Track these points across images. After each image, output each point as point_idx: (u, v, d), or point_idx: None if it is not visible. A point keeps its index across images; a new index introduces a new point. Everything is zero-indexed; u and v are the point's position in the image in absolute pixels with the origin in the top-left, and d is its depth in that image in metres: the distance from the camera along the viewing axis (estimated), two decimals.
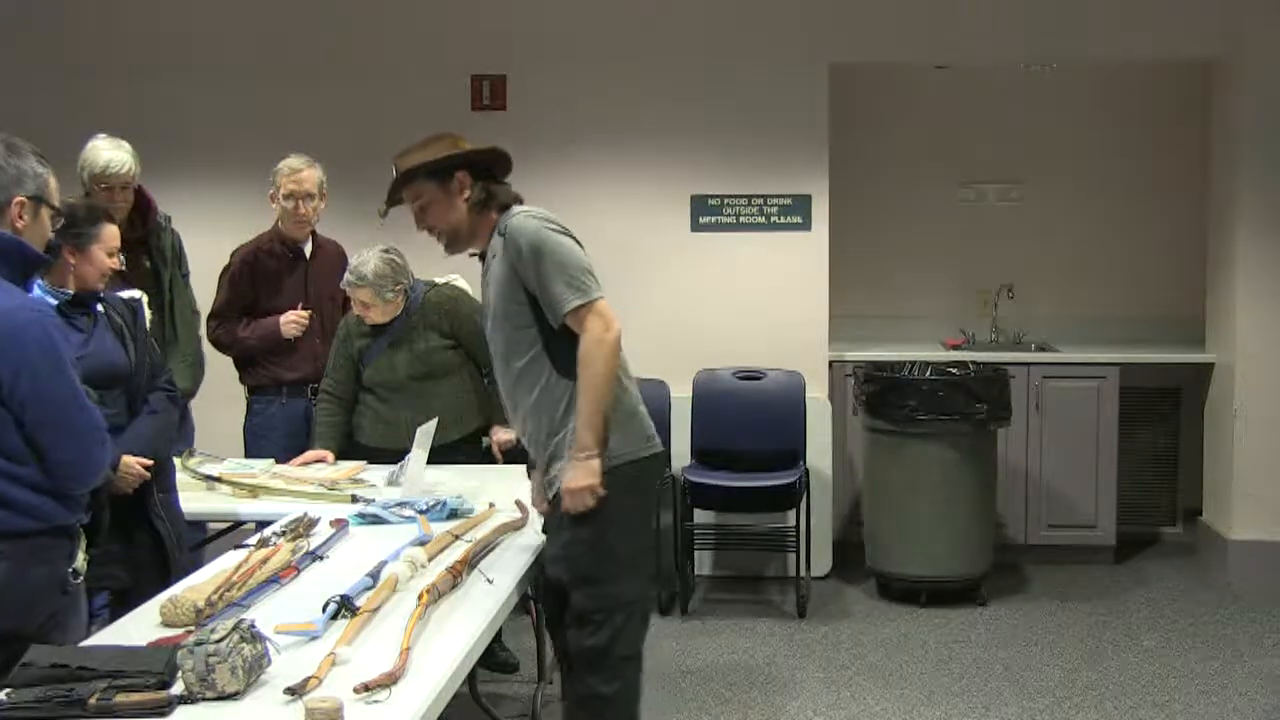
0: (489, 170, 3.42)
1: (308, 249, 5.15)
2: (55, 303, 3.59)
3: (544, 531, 3.56)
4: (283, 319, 5.04)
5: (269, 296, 5.09)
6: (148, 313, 4.09)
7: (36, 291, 3.61)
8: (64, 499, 2.78)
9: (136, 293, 4.14)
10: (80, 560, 2.85)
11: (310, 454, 4.69)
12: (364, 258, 4.68)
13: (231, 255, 5.15)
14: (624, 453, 3.35)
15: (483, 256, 3.46)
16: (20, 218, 2.79)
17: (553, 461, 3.40)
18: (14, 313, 2.69)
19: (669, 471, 6.05)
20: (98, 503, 2.99)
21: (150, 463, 3.65)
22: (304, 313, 5.05)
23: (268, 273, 5.09)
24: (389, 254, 4.68)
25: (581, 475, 3.28)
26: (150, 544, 3.70)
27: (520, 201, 3.45)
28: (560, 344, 3.33)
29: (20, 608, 2.69)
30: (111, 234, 3.65)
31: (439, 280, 4.91)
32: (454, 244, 3.45)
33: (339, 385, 4.85)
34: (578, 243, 3.38)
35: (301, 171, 5.03)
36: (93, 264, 3.60)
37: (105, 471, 2.98)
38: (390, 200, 3.41)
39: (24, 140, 2.86)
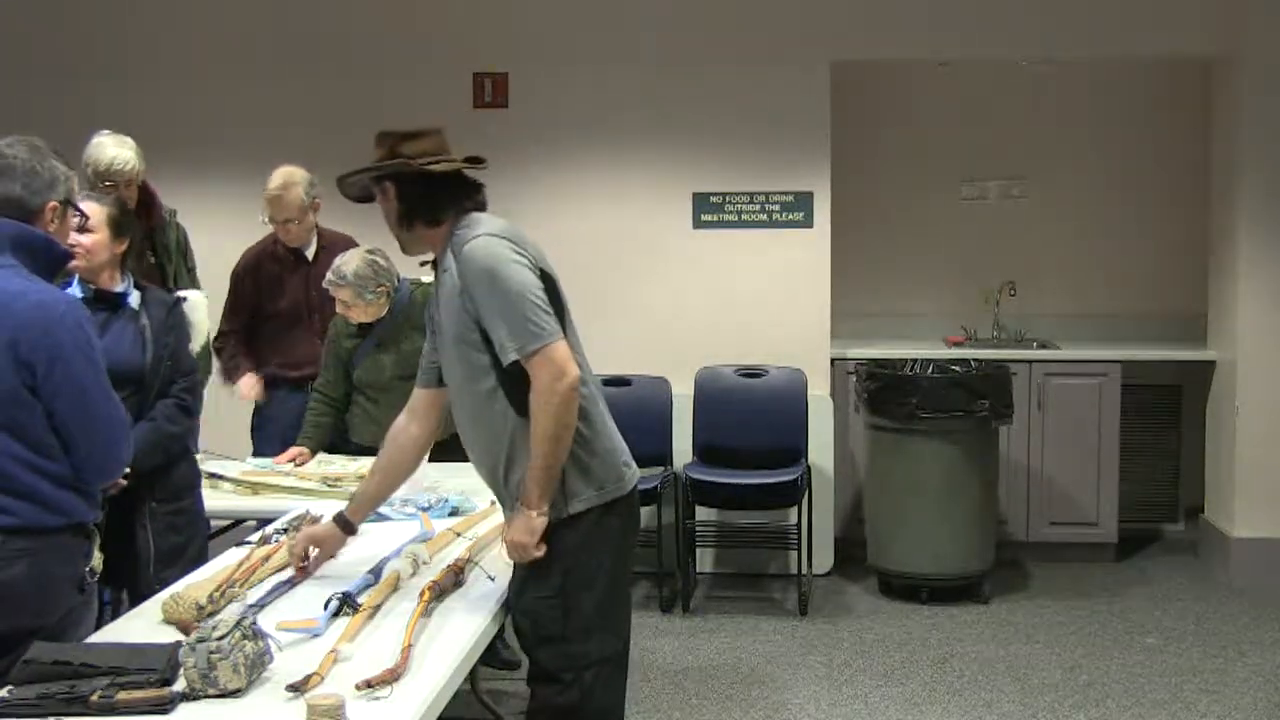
0: (430, 187, 3.09)
1: (310, 251, 5.14)
2: (81, 296, 3.63)
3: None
4: (242, 383, 5.10)
5: (271, 300, 5.11)
6: (203, 315, 4.06)
7: (74, 285, 3.66)
8: (86, 496, 2.79)
9: (193, 293, 4.10)
10: (96, 559, 2.85)
11: (291, 451, 4.70)
12: (346, 258, 4.68)
13: (242, 255, 5.17)
14: (587, 497, 3.04)
15: (435, 265, 3.15)
16: (51, 221, 2.83)
17: (504, 504, 3.16)
18: (51, 305, 2.73)
19: (669, 469, 6.07)
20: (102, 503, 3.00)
21: (127, 471, 3.61)
22: (259, 385, 5.08)
23: (270, 277, 5.11)
24: (372, 255, 4.67)
25: (521, 531, 2.99)
26: (129, 551, 3.68)
27: (483, 208, 3.13)
28: (518, 378, 2.99)
29: (41, 606, 2.70)
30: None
31: (426, 280, 4.88)
32: (400, 244, 3.19)
33: (329, 385, 4.86)
34: (537, 267, 3.03)
35: (280, 197, 4.99)
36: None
37: (125, 467, 3.01)
38: (349, 175, 3.19)
39: (37, 138, 2.88)
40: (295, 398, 5.10)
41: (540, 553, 3.01)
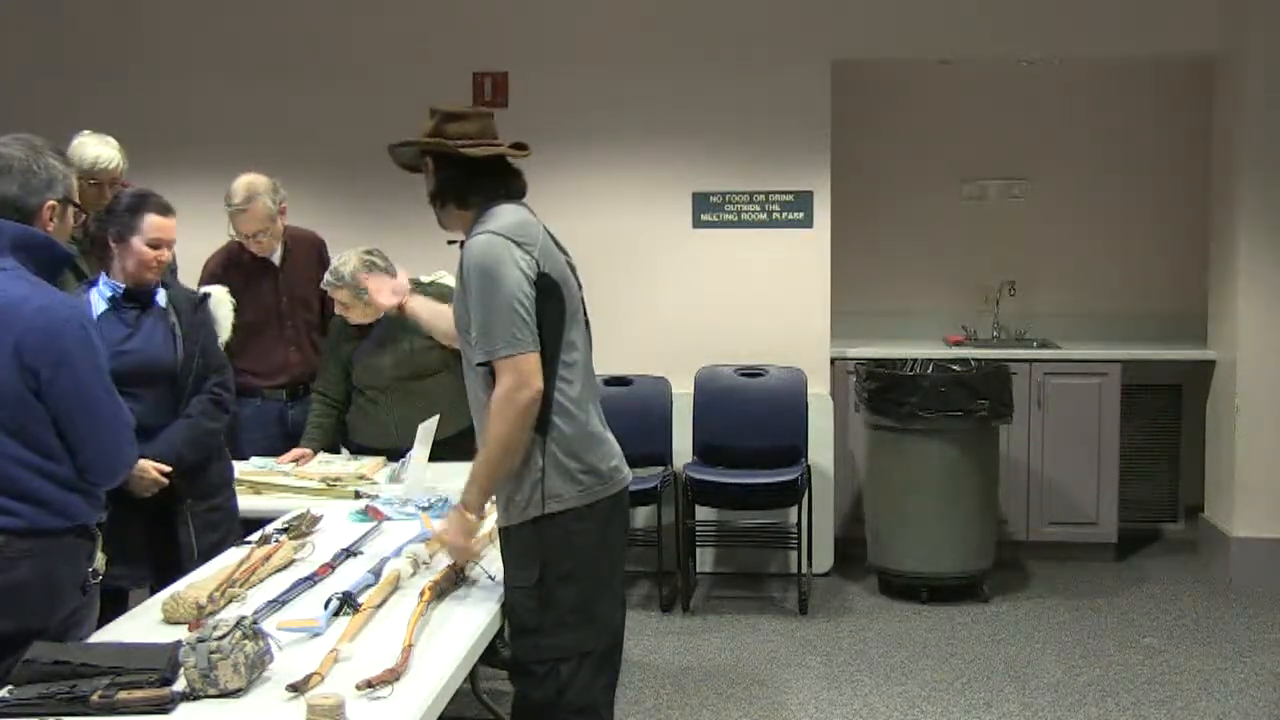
0: (465, 170, 3.13)
1: (277, 256, 5.05)
2: (110, 294, 3.63)
3: None
4: None
5: (238, 308, 4.95)
6: (227, 310, 4.05)
7: (101, 283, 3.65)
8: (90, 497, 2.80)
9: (217, 288, 4.09)
10: (99, 560, 2.86)
11: (294, 451, 4.69)
12: (344, 258, 4.66)
13: (205, 265, 5.05)
14: (566, 497, 3.05)
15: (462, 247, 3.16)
16: (50, 221, 2.82)
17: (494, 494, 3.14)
18: (55, 309, 2.73)
19: (669, 469, 6.06)
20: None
21: (168, 469, 3.63)
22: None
23: (236, 286, 4.98)
24: (369, 255, 4.65)
25: (457, 532, 3.10)
26: (170, 549, 3.69)
27: (518, 196, 3.20)
28: None
29: (44, 607, 2.70)
30: (155, 225, 3.65)
31: (425, 279, 4.87)
32: (437, 219, 3.23)
33: (329, 386, 4.85)
34: (540, 271, 3.03)
35: (246, 211, 4.88)
36: (133, 255, 3.64)
37: (131, 469, 3.02)
38: (398, 145, 3.21)
39: (36, 136, 2.87)
40: (269, 407, 5.04)
41: (480, 550, 3.14)
